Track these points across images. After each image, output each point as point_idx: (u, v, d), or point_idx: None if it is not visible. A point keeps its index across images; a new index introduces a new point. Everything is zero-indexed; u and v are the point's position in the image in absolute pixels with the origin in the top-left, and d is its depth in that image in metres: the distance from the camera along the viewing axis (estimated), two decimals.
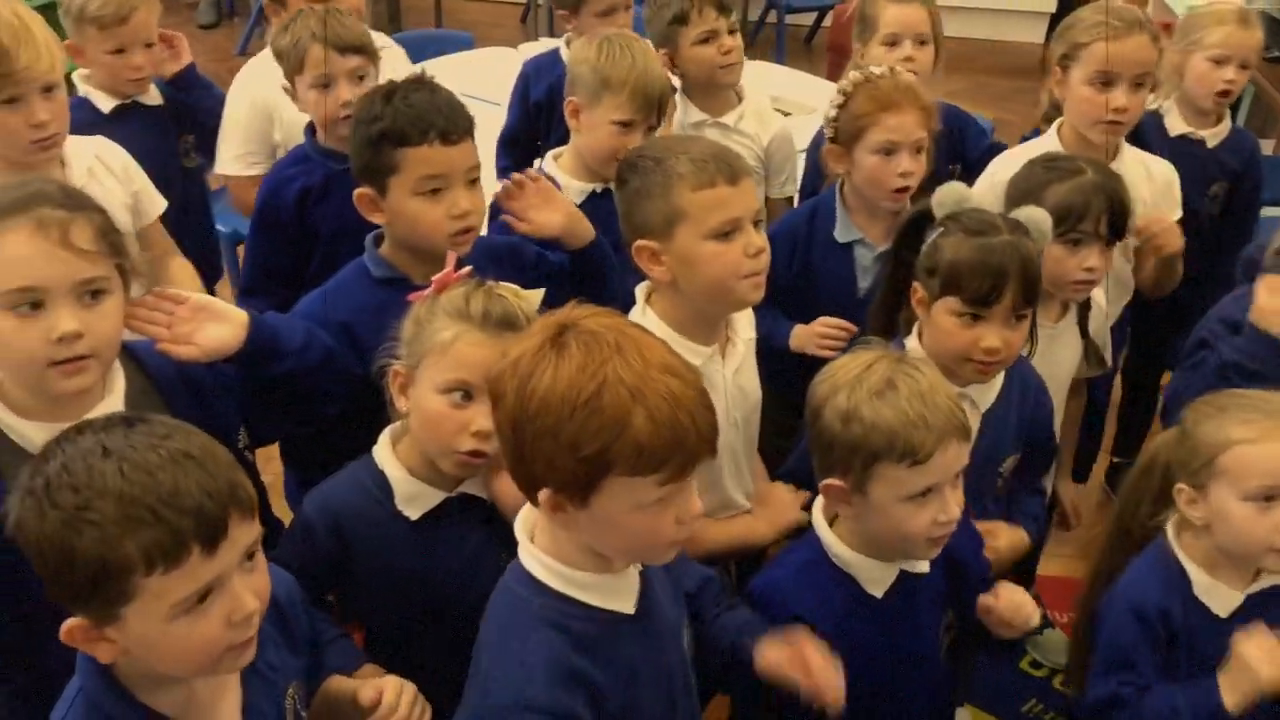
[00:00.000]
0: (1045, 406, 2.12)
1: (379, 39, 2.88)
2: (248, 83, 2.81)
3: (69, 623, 1.20)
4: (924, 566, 1.69)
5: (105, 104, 2.60)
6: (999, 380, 1.98)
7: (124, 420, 1.22)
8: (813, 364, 1.93)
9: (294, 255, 2.40)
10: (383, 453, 1.69)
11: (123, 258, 1.56)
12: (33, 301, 1.46)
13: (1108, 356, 2.37)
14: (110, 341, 1.53)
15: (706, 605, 1.67)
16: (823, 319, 2.33)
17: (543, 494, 1.29)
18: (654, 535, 1.31)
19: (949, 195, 1.96)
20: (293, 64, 2.40)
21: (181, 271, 2.37)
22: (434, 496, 1.66)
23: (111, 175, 2.24)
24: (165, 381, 1.67)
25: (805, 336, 2.34)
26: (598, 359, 1.24)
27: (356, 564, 1.68)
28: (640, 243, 1.83)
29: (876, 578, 1.67)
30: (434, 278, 1.66)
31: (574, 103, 2.35)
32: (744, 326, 1.97)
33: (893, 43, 2.70)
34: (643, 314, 1.88)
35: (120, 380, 1.60)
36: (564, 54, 2.86)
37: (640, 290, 1.92)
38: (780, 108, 3.19)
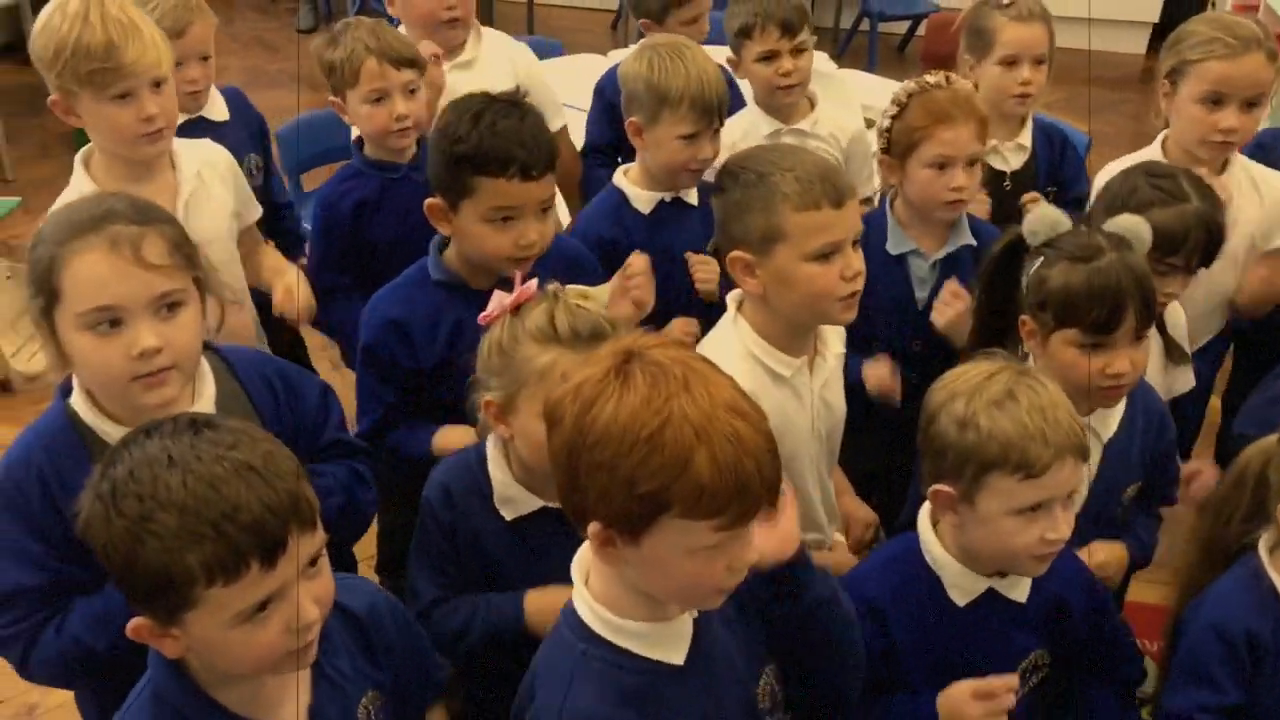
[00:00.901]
0: (1169, 433, 2.05)
1: (499, 36, 2.94)
2: None
3: (135, 620, 1.23)
4: (1019, 594, 1.65)
5: None
6: (1120, 408, 1.93)
7: (191, 425, 1.24)
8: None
9: (354, 268, 2.43)
10: (493, 451, 1.71)
11: (196, 268, 1.58)
12: (111, 320, 1.49)
13: (1186, 347, 2.29)
14: (190, 352, 1.56)
15: None
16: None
17: (592, 526, 1.24)
18: (703, 581, 1.26)
19: (1043, 222, 1.89)
20: (345, 77, 2.38)
21: (272, 257, 2.43)
22: (530, 503, 1.68)
23: (220, 179, 2.27)
24: (254, 387, 1.70)
25: (878, 381, 2.24)
26: (663, 394, 1.19)
27: (468, 556, 1.71)
28: (736, 254, 1.82)
29: (963, 586, 1.64)
30: (507, 302, 1.64)
31: (635, 123, 2.33)
32: (834, 341, 1.95)
33: (1010, 63, 2.63)
34: (734, 322, 1.88)
35: (210, 386, 1.63)
36: None
37: (731, 298, 1.92)
38: (870, 116, 3.15)
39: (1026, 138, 2.72)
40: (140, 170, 2.13)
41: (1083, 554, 1.85)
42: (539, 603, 1.68)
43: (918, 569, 1.66)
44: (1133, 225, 1.88)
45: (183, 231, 1.58)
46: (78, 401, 1.59)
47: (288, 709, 1.34)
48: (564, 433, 1.24)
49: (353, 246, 2.44)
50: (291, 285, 2.25)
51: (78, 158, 2.17)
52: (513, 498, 1.68)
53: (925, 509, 1.69)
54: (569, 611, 1.35)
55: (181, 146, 2.23)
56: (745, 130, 2.69)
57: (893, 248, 2.32)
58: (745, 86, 2.86)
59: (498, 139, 1.88)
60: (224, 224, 2.24)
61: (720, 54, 2.67)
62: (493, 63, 2.80)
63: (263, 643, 1.21)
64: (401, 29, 2.70)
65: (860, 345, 2.22)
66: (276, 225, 2.74)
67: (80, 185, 2.12)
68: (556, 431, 1.25)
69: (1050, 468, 1.52)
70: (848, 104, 2.97)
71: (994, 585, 1.64)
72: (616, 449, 1.18)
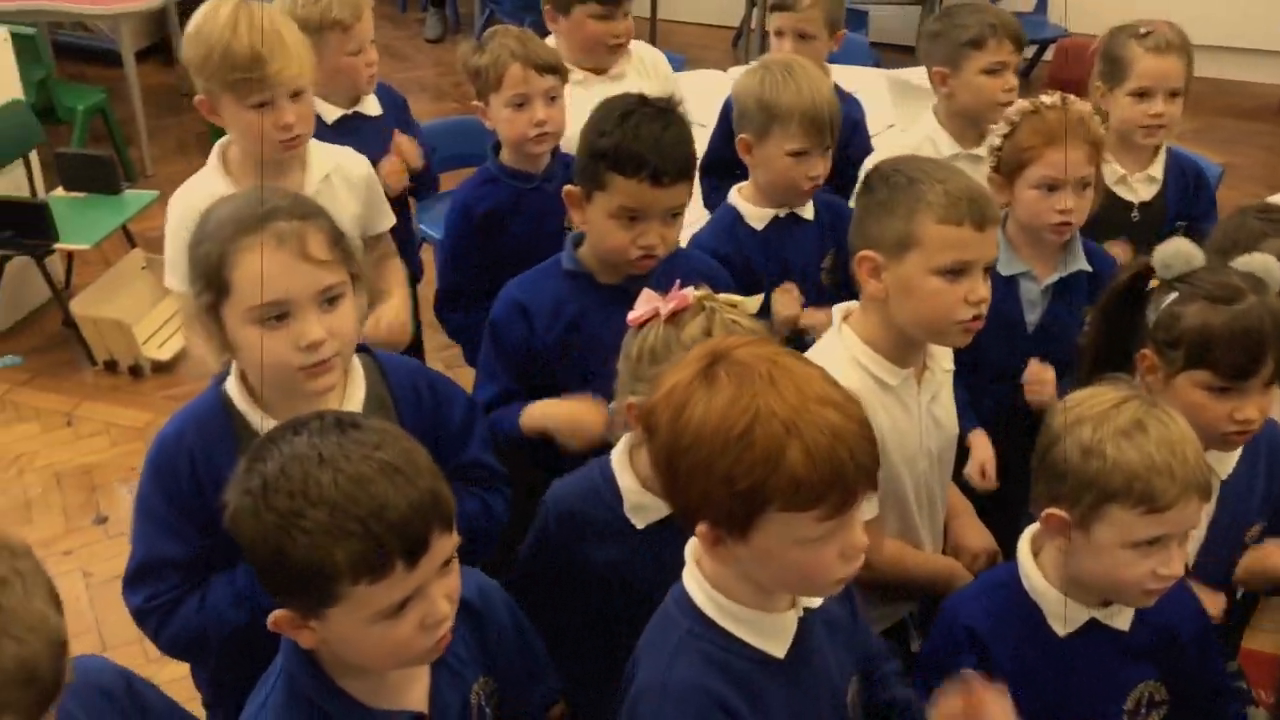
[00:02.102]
0: None
1: (646, 48, 2.99)
2: None
3: (276, 613, 1.27)
4: (1123, 623, 1.61)
5: (330, 114, 2.70)
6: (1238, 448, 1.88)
7: (338, 424, 1.27)
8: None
9: (483, 273, 2.47)
10: (619, 460, 1.72)
11: (352, 261, 1.63)
12: (279, 314, 1.54)
13: None
14: (350, 340, 1.62)
15: (884, 674, 1.63)
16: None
17: (701, 527, 1.27)
18: (817, 570, 1.28)
19: (1177, 257, 1.83)
20: (489, 82, 2.43)
21: (397, 273, 2.47)
22: (661, 509, 1.67)
23: (348, 185, 2.34)
24: (402, 394, 1.74)
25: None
26: (749, 392, 1.21)
27: (585, 559, 1.71)
28: (866, 253, 1.82)
29: (1064, 616, 1.61)
30: (662, 308, 1.64)
31: (745, 140, 2.34)
32: (944, 357, 1.94)
33: (1143, 94, 2.58)
34: (838, 332, 1.87)
35: (360, 390, 1.68)
36: None
37: (838, 311, 1.91)
38: None
39: (1158, 169, 2.66)
40: (271, 168, 2.21)
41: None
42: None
43: (1018, 597, 1.63)
44: (1263, 264, 1.83)
45: (337, 226, 1.63)
46: (232, 387, 1.66)
47: (409, 697, 1.37)
48: (661, 438, 1.27)
49: (481, 251, 2.49)
50: (381, 315, 2.28)
51: (215, 147, 2.27)
52: (644, 505, 1.67)
53: (1026, 536, 1.67)
54: (679, 590, 1.38)
55: (316, 148, 2.30)
56: (917, 146, 2.65)
57: (1004, 269, 2.28)
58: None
59: (636, 141, 1.92)
60: (348, 227, 2.27)
61: (853, 74, 2.66)
62: (641, 76, 2.84)
63: (399, 639, 1.25)
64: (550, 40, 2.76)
65: (966, 367, 2.20)
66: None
67: (212, 174, 2.22)
68: (654, 438, 1.29)
69: (1175, 504, 1.48)
70: None
71: (1096, 615, 1.61)
72: (710, 449, 1.21)
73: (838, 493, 1.21)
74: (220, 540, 1.62)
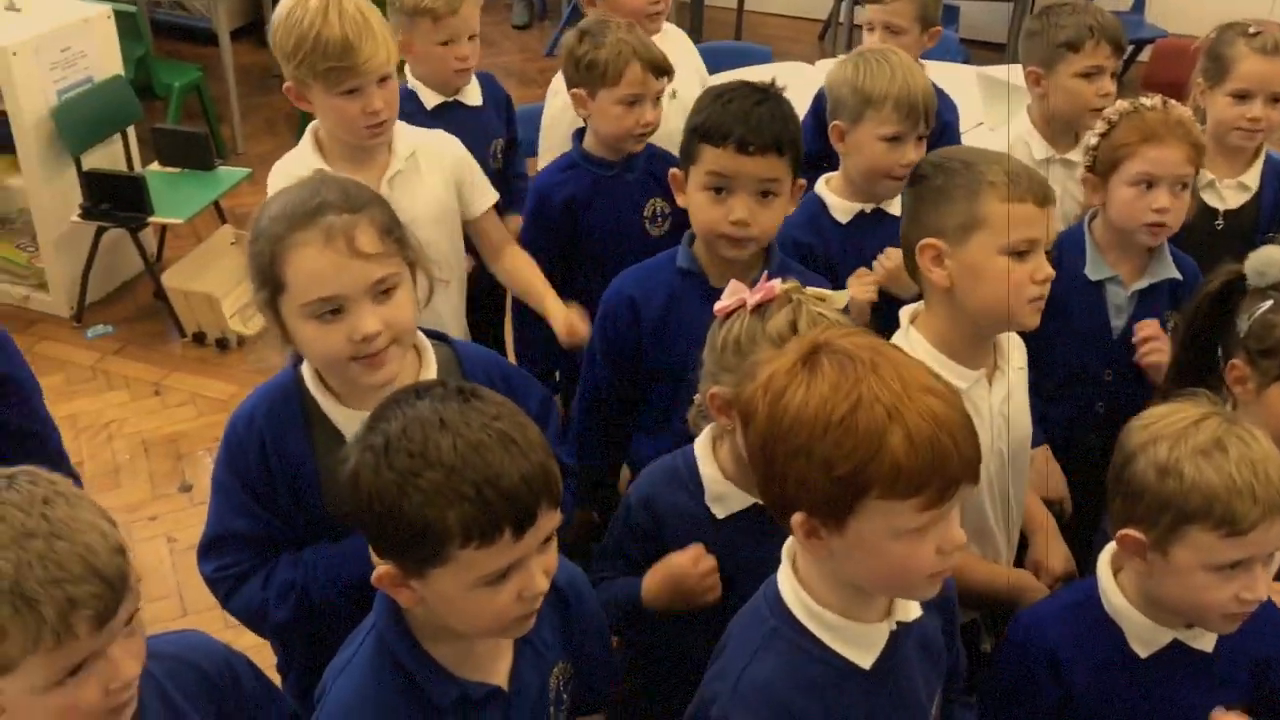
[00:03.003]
0: None
1: (680, 34, 2.98)
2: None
3: (381, 569, 1.30)
4: (1206, 644, 1.58)
5: (430, 100, 2.74)
6: None
7: (459, 392, 1.30)
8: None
9: (562, 257, 2.50)
10: (702, 450, 1.72)
11: (407, 249, 1.64)
12: (333, 309, 1.56)
13: None
14: (407, 327, 1.63)
15: (951, 694, 1.61)
16: None
17: (797, 517, 1.26)
18: (913, 565, 1.25)
19: (1271, 264, 1.79)
20: (605, 75, 2.41)
21: (518, 258, 2.48)
22: (742, 500, 1.68)
23: (435, 166, 2.35)
24: (477, 382, 1.74)
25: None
26: (852, 377, 1.21)
27: (667, 545, 1.72)
28: (927, 241, 1.80)
29: (1145, 638, 1.57)
30: (748, 298, 1.64)
31: (839, 126, 2.33)
32: (1016, 355, 1.91)
33: (1242, 96, 2.51)
34: (905, 335, 1.86)
35: (433, 373, 1.70)
36: None
37: (905, 313, 1.90)
38: None
39: (1253, 177, 2.58)
40: (359, 150, 2.25)
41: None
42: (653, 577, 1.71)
43: (1097, 617, 1.59)
44: None
45: (392, 213, 1.64)
46: (306, 373, 1.69)
47: (492, 671, 1.40)
48: (758, 425, 1.26)
49: (559, 237, 2.51)
50: (573, 322, 2.31)
51: (309, 128, 2.31)
52: (724, 495, 1.68)
53: (1105, 554, 1.63)
54: (771, 586, 1.38)
55: (402, 130, 2.32)
56: (1009, 148, 2.60)
57: (1093, 273, 2.25)
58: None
59: (726, 112, 1.96)
60: (431, 208, 2.32)
61: (943, 70, 2.63)
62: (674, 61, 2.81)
63: (496, 606, 1.27)
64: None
65: (1045, 369, 2.17)
66: (507, 188, 2.84)
67: (305, 151, 2.26)
68: (751, 426, 1.28)
69: (1257, 526, 1.43)
70: None
71: (1179, 636, 1.57)
72: (810, 434, 1.20)
73: (939, 481, 1.20)
74: (289, 521, 1.68)
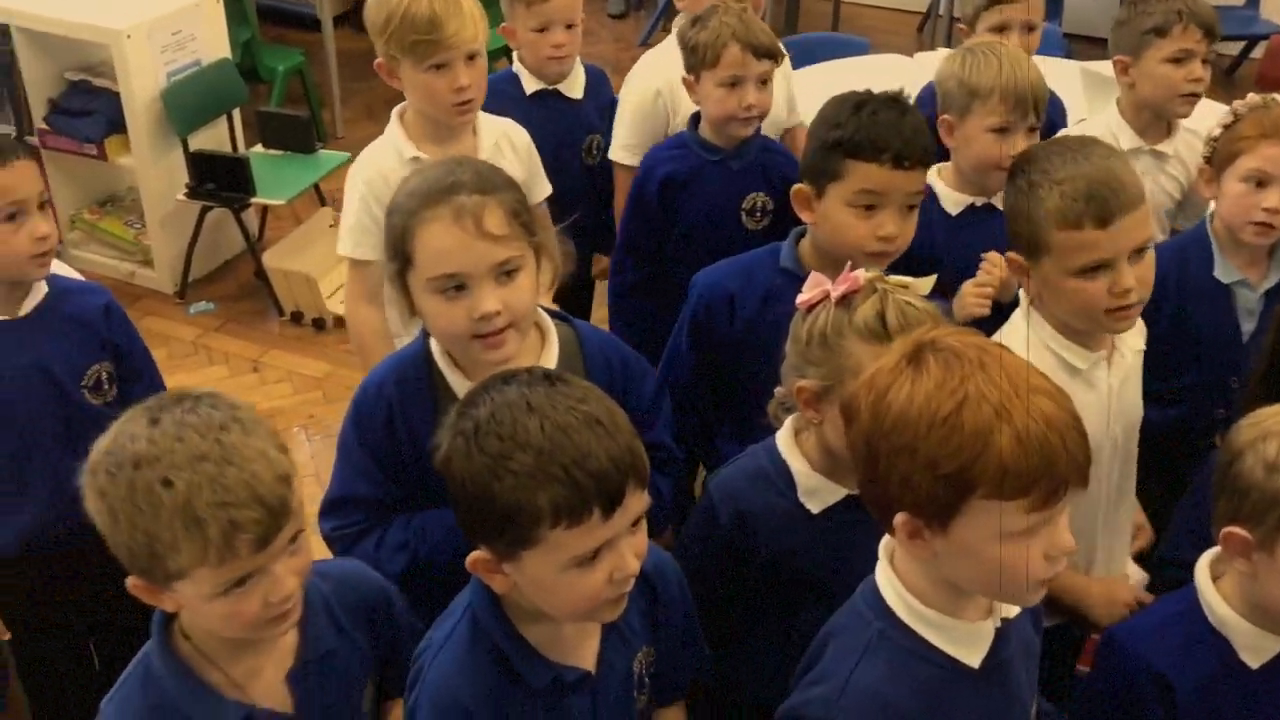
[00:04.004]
0: None
1: None
2: (650, 74, 2.84)
3: (474, 554, 1.33)
4: None
5: (530, 85, 2.76)
6: None
7: (545, 377, 1.33)
8: None
9: (655, 235, 2.51)
10: (785, 443, 1.70)
11: (533, 234, 1.67)
12: (457, 285, 1.61)
13: None
14: (525, 312, 1.66)
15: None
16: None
17: (899, 518, 1.24)
18: (1018, 569, 1.22)
19: None
20: (705, 59, 2.41)
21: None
22: (835, 493, 1.66)
23: (514, 153, 2.40)
24: (595, 365, 1.78)
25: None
26: (958, 375, 1.20)
27: (759, 551, 1.69)
28: (1010, 255, 1.82)
29: (1255, 646, 1.52)
30: (832, 290, 1.63)
31: (947, 120, 2.31)
32: (1133, 336, 1.88)
33: None
34: (1026, 315, 1.84)
35: (554, 354, 1.73)
36: None
37: (1024, 292, 1.88)
38: None
39: None
40: (445, 132, 2.29)
41: None
42: None
43: (1200, 628, 1.54)
44: None
45: (522, 198, 1.68)
46: (434, 346, 1.74)
47: (580, 654, 1.42)
48: (861, 424, 1.25)
49: (653, 212, 2.52)
50: None
51: (395, 111, 2.35)
52: (817, 489, 1.66)
53: (1204, 562, 1.59)
54: (870, 586, 1.36)
55: (484, 118, 2.37)
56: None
57: (1222, 275, 2.20)
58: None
59: (875, 126, 1.91)
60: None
61: (1044, 65, 2.58)
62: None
63: (588, 588, 1.30)
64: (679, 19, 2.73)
65: (1169, 371, 2.12)
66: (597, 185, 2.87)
67: (394, 134, 2.30)
68: (855, 424, 1.27)
69: None
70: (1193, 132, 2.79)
71: None
72: (915, 431, 1.19)
73: (1047, 482, 1.18)
74: (411, 488, 1.71)
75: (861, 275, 1.62)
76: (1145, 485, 2.03)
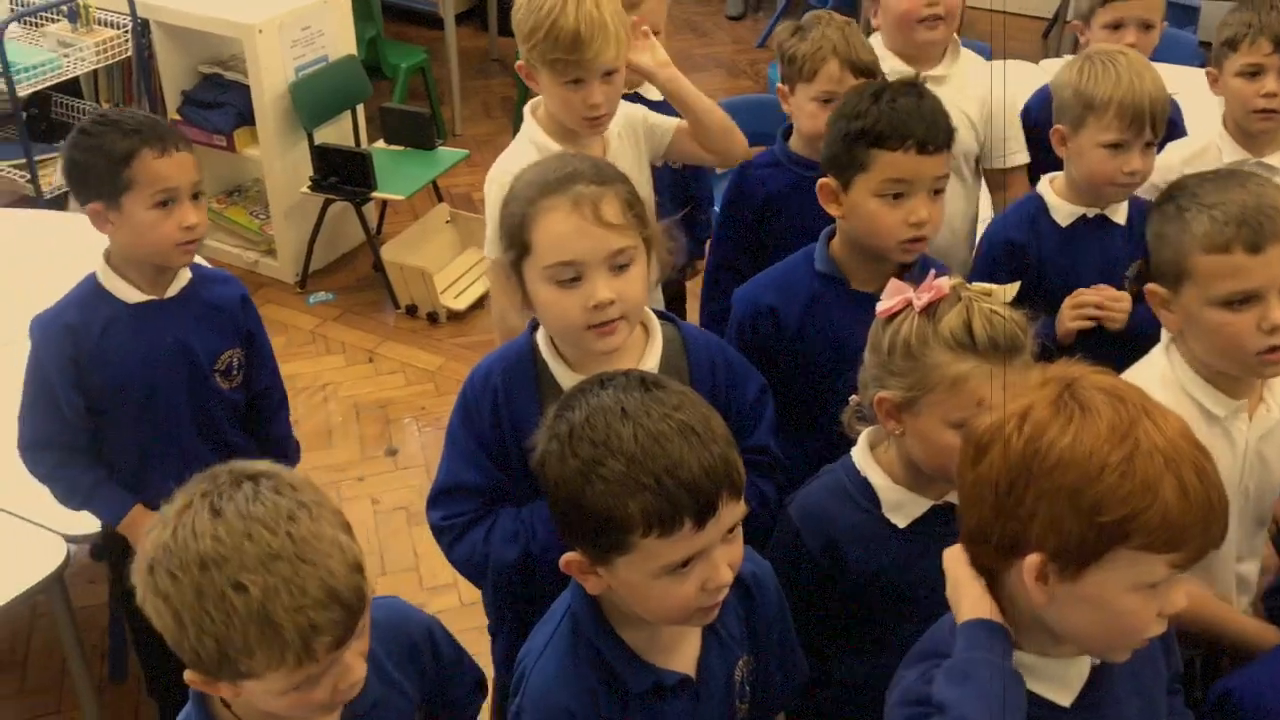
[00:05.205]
0: None
1: (976, 59, 2.81)
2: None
3: (568, 555, 1.34)
4: None
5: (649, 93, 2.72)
6: None
7: (641, 382, 1.32)
8: None
9: (750, 251, 2.47)
10: (863, 458, 1.67)
11: (645, 227, 1.68)
12: (572, 275, 1.62)
13: None
14: (637, 304, 1.67)
15: None
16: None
17: (1029, 559, 1.17)
18: (1135, 623, 1.18)
19: None
20: (802, 71, 2.38)
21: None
22: (920, 505, 1.63)
23: (632, 137, 2.39)
24: (698, 365, 1.78)
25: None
26: (1127, 419, 1.14)
27: (849, 571, 1.66)
28: (1151, 286, 1.74)
29: None
30: (918, 298, 1.59)
31: (1060, 131, 2.25)
32: None
33: None
34: (1165, 352, 1.78)
35: (656, 357, 1.73)
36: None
37: (1165, 332, 1.81)
38: None
39: None
40: (575, 136, 2.29)
41: None
42: None
43: None
44: None
45: (635, 191, 1.69)
46: (540, 338, 1.75)
47: (680, 658, 1.42)
48: (1007, 460, 1.18)
49: (751, 232, 2.49)
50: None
51: (527, 106, 2.37)
52: (901, 502, 1.63)
53: None
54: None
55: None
56: (1197, 154, 2.50)
57: None
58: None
59: (896, 114, 1.90)
60: (642, 189, 2.34)
61: (1176, 73, 2.50)
62: (968, 83, 2.67)
63: (679, 596, 1.29)
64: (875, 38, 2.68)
65: None
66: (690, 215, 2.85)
67: (532, 131, 2.31)
68: (990, 458, 1.20)
69: None
70: None
71: None
72: (1081, 474, 1.13)
73: (1201, 537, 1.14)
74: (516, 477, 1.73)
75: (946, 283, 1.58)
76: None
